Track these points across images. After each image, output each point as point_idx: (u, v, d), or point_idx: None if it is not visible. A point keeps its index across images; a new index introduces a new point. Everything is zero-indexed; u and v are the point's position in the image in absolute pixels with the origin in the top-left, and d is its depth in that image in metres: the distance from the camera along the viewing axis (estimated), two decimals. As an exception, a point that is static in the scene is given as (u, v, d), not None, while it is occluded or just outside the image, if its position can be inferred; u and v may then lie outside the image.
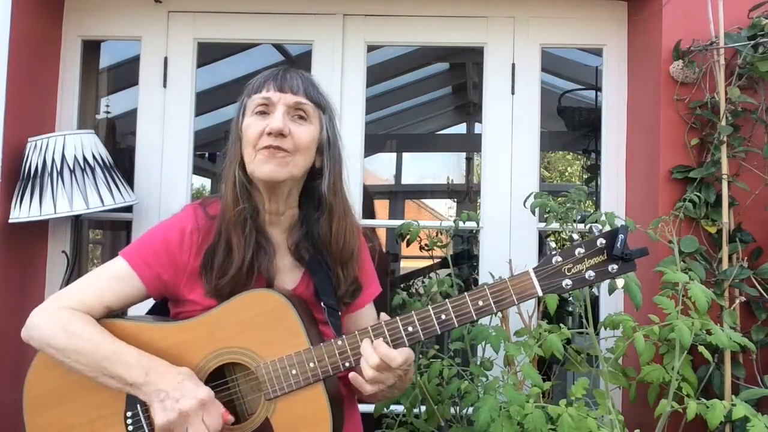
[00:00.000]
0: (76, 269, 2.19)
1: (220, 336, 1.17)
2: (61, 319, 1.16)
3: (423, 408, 1.82)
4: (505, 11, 2.34)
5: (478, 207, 2.42)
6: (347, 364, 1.15)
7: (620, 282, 1.15)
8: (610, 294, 1.62)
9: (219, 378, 1.20)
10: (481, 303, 1.14)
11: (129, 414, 1.17)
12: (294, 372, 1.15)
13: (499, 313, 1.87)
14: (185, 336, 1.18)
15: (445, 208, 8.48)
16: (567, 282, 1.13)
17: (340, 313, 1.26)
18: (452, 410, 1.81)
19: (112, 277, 1.21)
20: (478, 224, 2.12)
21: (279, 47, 3.51)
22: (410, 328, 1.14)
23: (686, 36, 2.00)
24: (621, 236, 1.10)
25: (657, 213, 1.97)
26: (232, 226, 1.21)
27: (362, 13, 2.35)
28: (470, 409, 1.72)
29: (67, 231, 2.28)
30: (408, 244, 2.04)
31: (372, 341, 1.14)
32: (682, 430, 1.69)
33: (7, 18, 2.05)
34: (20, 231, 2.11)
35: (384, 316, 1.23)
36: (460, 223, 2.00)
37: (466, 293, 1.15)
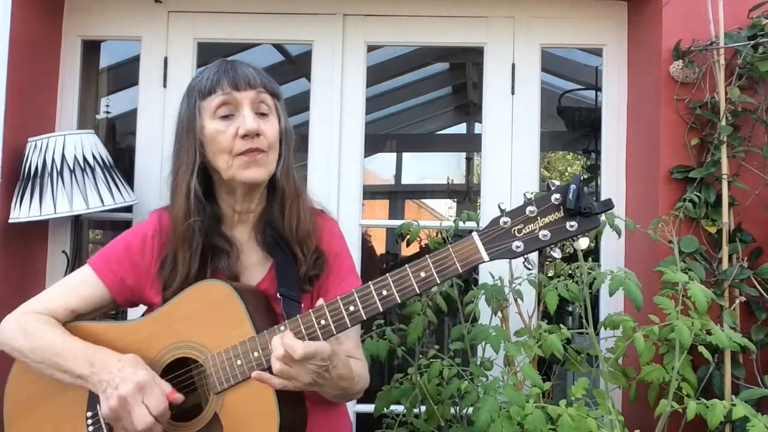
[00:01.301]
0: (76, 269, 2.19)
1: (172, 330, 1.16)
2: (22, 321, 1.19)
3: (423, 408, 1.82)
4: (505, 11, 2.34)
5: (478, 207, 2.42)
6: None
7: (583, 242, 1.01)
8: (611, 295, 1.61)
9: (184, 374, 1.18)
10: (423, 274, 1.05)
11: (89, 414, 1.17)
12: (239, 363, 1.11)
13: (499, 313, 1.87)
14: (143, 333, 1.18)
15: (445, 208, 8.49)
16: (517, 244, 1.01)
17: (302, 304, 1.22)
18: (452, 410, 1.81)
19: (78, 283, 1.25)
20: (478, 224, 2.12)
21: (279, 47, 3.51)
22: (351, 308, 1.08)
23: (686, 36, 2.00)
24: (572, 187, 0.97)
25: (657, 213, 1.97)
26: (180, 240, 1.20)
27: (362, 13, 2.35)
28: (470, 409, 1.71)
29: (67, 231, 2.28)
30: (408, 244, 2.04)
31: (284, 333, 1.08)
32: (682, 430, 1.69)
33: (7, 18, 2.05)
34: (20, 231, 2.11)
35: None
36: (460, 223, 2.00)
37: (407, 265, 1.07)
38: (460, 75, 4.86)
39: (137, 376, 1.08)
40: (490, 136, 2.32)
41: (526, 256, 1.03)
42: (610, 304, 2.18)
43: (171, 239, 1.22)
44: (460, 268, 1.04)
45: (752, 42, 1.89)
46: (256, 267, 1.27)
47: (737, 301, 1.85)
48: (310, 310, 1.10)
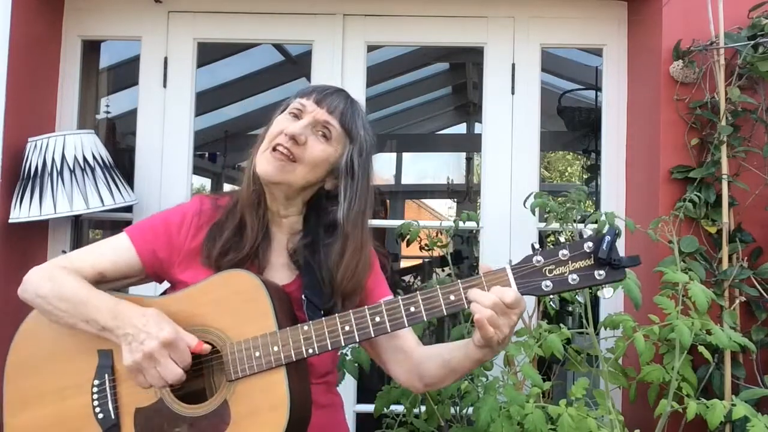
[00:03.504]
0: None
1: (196, 313, 1.17)
2: (49, 271, 1.22)
3: (423, 408, 1.82)
4: (505, 11, 2.34)
5: (478, 207, 2.42)
6: (311, 351, 1.12)
7: (607, 292, 1.07)
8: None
9: (199, 357, 1.18)
10: (453, 297, 1.08)
11: (96, 383, 1.18)
12: (257, 354, 1.12)
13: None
14: (168, 310, 1.18)
15: (445, 208, 8.48)
16: (547, 284, 1.06)
17: (322, 312, 1.22)
18: (452, 410, 1.82)
19: (110, 247, 1.27)
20: (478, 224, 2.12)
21: (279, 47, 3.51)
22: (377, 318, 1.10)
23: (686, 36, 2.00)
24: (607, 238, 1.03)
25: (657, 213, 1.97)
26: (247, 206, 1.24)
27: (362, 13, 2.35)
28: (470, 409, 1.72)
29: (67, 231, 2.28)
30: (408, 244, 2.04)
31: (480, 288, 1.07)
32: (682, 430, 1.69)
33: (7, 18, 2.05)
34: (20, 231, 2.11)
35: None
36: (460, 223, 2.00)
37: (438, 286, 1.10)
38: (460, 75, 4.86)
39: (162, 332, 1.10)
40: (490, 136, 2.32)
41: (552, 296, 1.06)
42: (610, 304, 2.19)
43: (237, 208, 1.25)
44: None
45: (752, 42, 1.89)
46: (282, 268, 1.28)
47: (737, 301, 1.85)
48: (336, 315, 1.13)
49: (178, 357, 1.10)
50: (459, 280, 1.09)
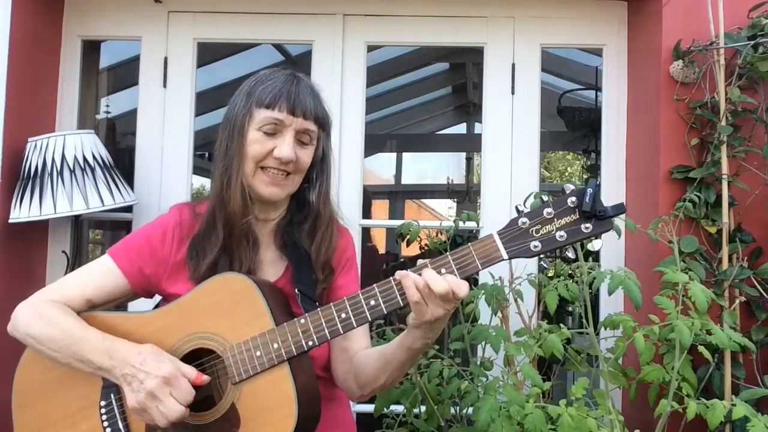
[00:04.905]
0: (76, 269, 2.19)
1: (191, 321, 1.17)
2: (38, 309, 1.21)
3: (423, 408, 1.82)
4: (505, 11, 2.34)
5: (478, 207, 2.42)
6: (310, 344, 1.12)
7: (597, 243, 1.08)
8: (610, 293, 1.61)
9: (200, 364, 1.19)
10: (444, 271, 1.07)
11: (102, 404, 1.18)
12: (258, 354, 1.13)
13: (499, 313, 1.87)
14: (159, 324, 1.19)
15: (445, 208, 8.49)
16: (535, 244, 1.05)
17: (317, 304, 1.25)
18: (452, 410, 1.81)
19: (96, 272, 1.27)
20: (478, 224, 2.12)
21: (279, 47, 3.51)
22: (372, 302, 1.10)
23: (686, 36, 2.00)
24: (589, 191, 1.03)
25: (657, 213, 1.97)
26: (237, 237, 1.24)
27: (362, 13, 2.35)
28: (470, 409, 1.72)
29: (67, 231, 2.28)
30: (408, 244, 2.04)
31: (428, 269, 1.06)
32: (682, 430, 1.69)
33: (7, 18, 2.05)
34: (20, 231, 2.11)
35: None
36: (460, 223, 2.00)
37: (428, 260, 1.09)
38: (460, 75, 4.86)
39: (161, 370, 1.10)
40: (490, 136, 2.32)
41: (542, 255, 1.07)
42: (610, 304, 2.19)
43: (222, 231, 1.24)
44: (480, 266, 1.07)
45: (752, 42, 1.89)
46: (271, 264, 1.30)
47: (737, 301, 1.85)
48: (332, 304, 1.13)
49: (179, 394, 1.09)
50: (448, 252, 1.09)
